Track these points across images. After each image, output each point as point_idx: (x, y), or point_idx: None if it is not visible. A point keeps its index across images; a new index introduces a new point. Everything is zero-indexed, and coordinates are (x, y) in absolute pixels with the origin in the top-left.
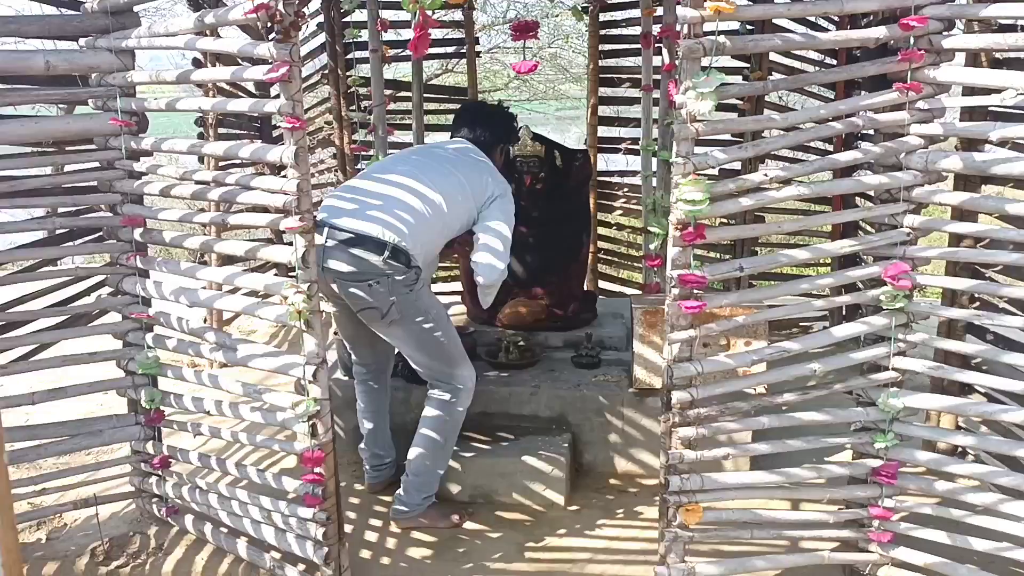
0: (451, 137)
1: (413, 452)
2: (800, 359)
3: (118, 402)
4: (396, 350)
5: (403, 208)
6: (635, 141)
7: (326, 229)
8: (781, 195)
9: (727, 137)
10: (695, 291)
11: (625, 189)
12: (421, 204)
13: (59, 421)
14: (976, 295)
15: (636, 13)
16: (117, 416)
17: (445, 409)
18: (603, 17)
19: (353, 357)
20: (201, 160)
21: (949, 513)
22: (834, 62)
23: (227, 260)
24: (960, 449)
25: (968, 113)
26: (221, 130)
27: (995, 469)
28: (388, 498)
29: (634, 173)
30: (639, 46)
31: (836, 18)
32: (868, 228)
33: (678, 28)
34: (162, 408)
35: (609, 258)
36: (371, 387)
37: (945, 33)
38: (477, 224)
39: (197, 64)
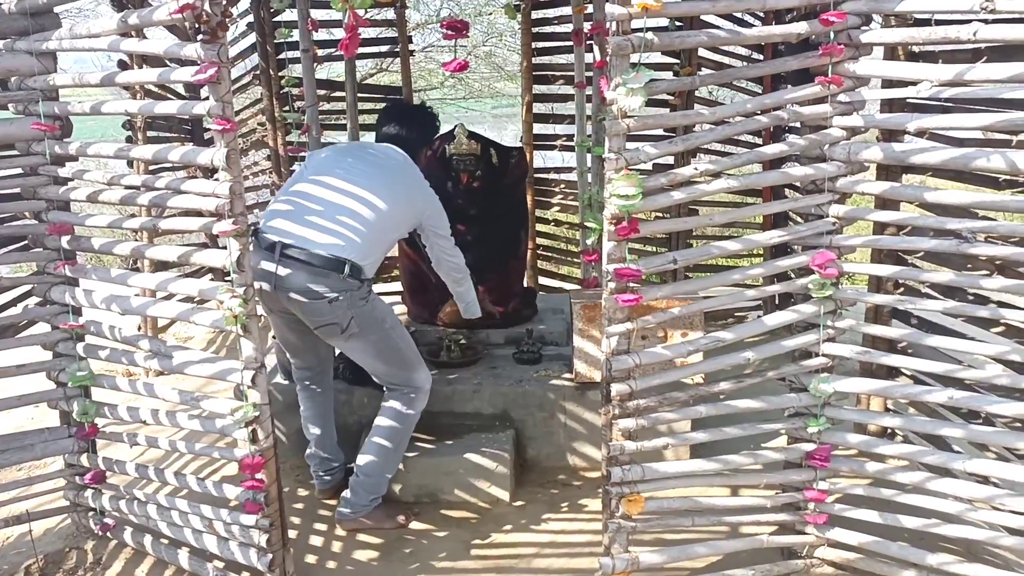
0: (376, 138)
1: (364, 457)
2: (735, 348)
3: (49, 414)
4: (336, 351)
5: (356, 221)
6: (570, 138)
7: (278, 247)
8: (712, 188)
9: (659, 132)
10: (631, 284)
11: (562, 185)
12: (371, 215)
13: None
14: (900, 281)
15: (568, 11)
16: (49, 429)
17: (400, 417)
18: (535, 15)
19: (293, 362)
20: (130, 164)
21: (880, 493)
22: (761, 57)
23: (160, 266)
24: (889, 430)
25: (888, 105)
26: (151, 133)
27: (922, 448)
28: (333, 502)
29: (570, 169)
30: (571, 43)
31: (762, 15)
32: (797, 219)
33: (608, 25)
34: (96, 421)
35: (548, 254)
36: (314, 391)
37: (863, 28)
38: (427, 236)
39: (123, 66)
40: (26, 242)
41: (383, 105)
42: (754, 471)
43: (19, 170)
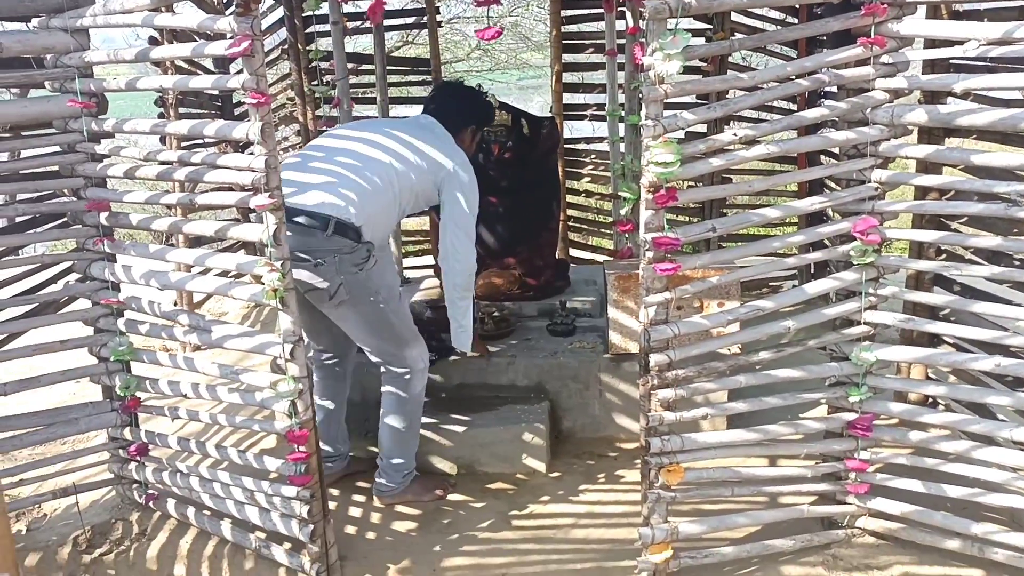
0: (422, 112)
1: (382, 439)
2: (773, 317)
3: (92, 389)
4: None
5: (347, 181)
6: (600, 107)
7: None
8: (750, 154)
9: (691, 99)
10: (668, 254)
11: (592, 156)
12: (369, 176)
13: (33, 411)
14: (942, 247)
15: None
16: (92, 403)
17: (400, 402)
18: None
19: (308, 340)
20: (163, 140)
21: (923, 462)
22: (795, 21)
23: (194, 241)
24: (930, 399)
25: (930, 66)
26: (182, 110)
27: (966, 417)
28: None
29: (601, 139)
30: (602, 11)
31: None
32: (833, 186)
33: None
34: (137, 394)
35: (579, 225)
36: (333, 371)
37: None
38: (441, 209)
39: (154, 43)
40: (65, 219)
41: (420, 78)
42: (794, 441)
43: (57, 147)
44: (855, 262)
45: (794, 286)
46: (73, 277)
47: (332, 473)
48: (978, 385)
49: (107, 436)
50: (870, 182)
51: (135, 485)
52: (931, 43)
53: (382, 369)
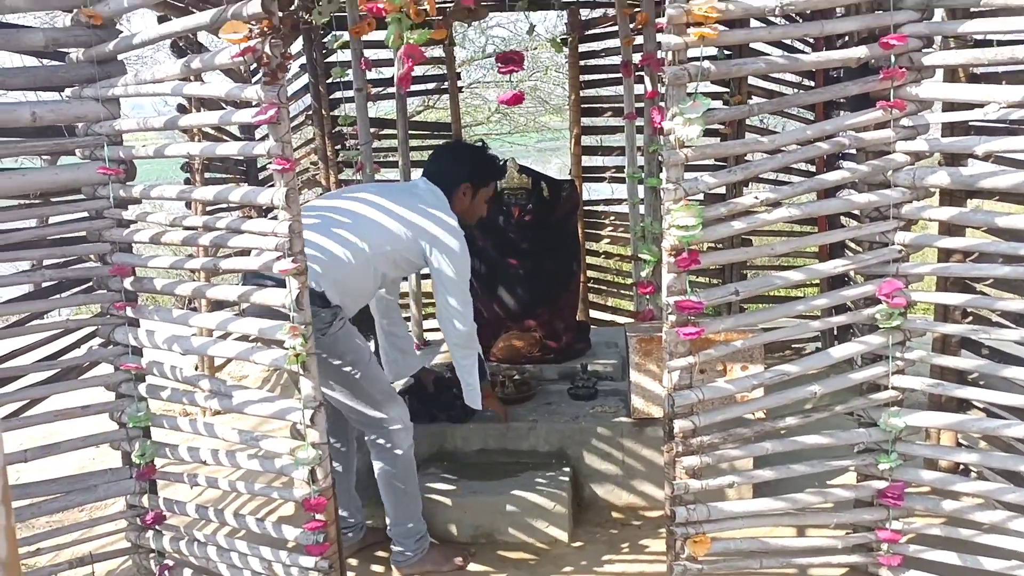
0: (421, 175)
1: (386, 507)
2: (798, 382)
3: (111, 454)
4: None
5: (314, 247)
6: (619, 169)
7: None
8: (772, 217)
9: (710, 162)
10: (691, 317)
11: (612, 217)
12: (338, 243)
13: (53, 478)
14: (968, 310)
15: (615, 43)
16: (112, 470)
17: (388, 458)
18: (582, 48)
19: None
20: (188, 205)
21: (957, 533)
22: (811, 84)
23: (216, 306)
24: (962, 467)
25: (949, 128)
26: (207, 175)
27: (1000, 486)
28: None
29: (620, 201)
30: (619, 75)
31: (812, 40)
32: (853, 247)
33: (660, 56)
34: (153, 462)
35: (599, 287)
36: (334, 446)
37: (924, 50)
38: (434, 288)
39: (182, 110)
40: (90, 284)
41: (437, 142)
42: (823, 510)
43: (85, 213)
44: (881, 325)
45: (817, 349)
46: (96, 342)
47: (349, 544)
48: (1011, 452)
49: (125, 503)
50: (893, 244)
51: (152, 554)
52: (950, 106)
53: (366, 437)
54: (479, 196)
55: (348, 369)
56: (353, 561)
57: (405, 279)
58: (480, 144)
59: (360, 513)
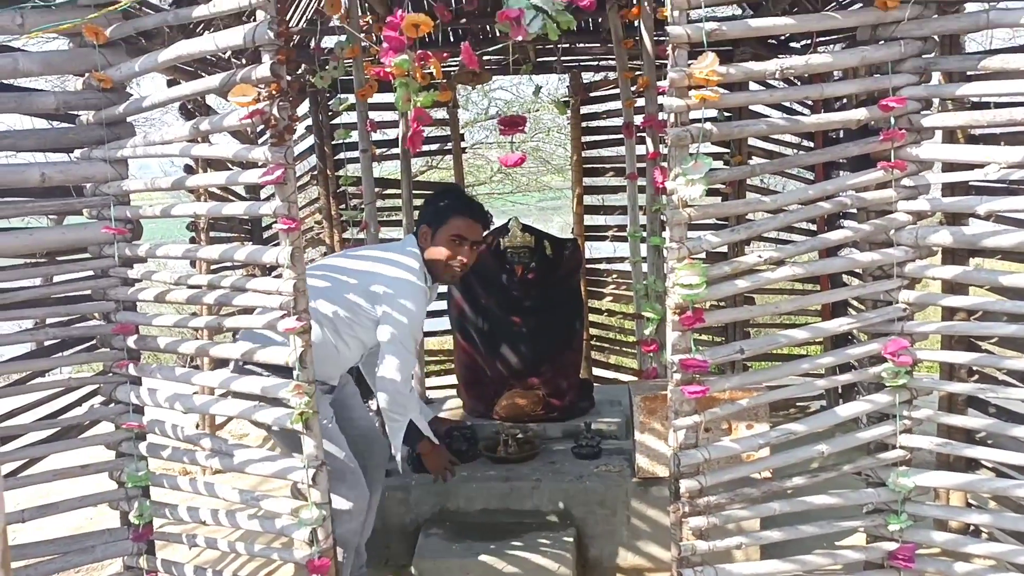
0: None
1: None
2: (805, 441)
3: (108, 514)
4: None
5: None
6: (621, 228)
7: None
8: (776, 276)
9: (712, 221)
10: (696, 375)
11: (614, 275)
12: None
13: (49, 539)
14: (974, 368)
15: (617, 105)
16: (109, 531)
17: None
18: (584, 110)
19: None
20: (192, 264)
21: None
22: (811, 144)
23: (219, 364)
24: (972, 527)
25: (949, 188)
26: (212, 234)
27: (1013, 547)
28: None
29: (622, 259)
30: (621, 136)
31: (811, 103)
32: (856, 305)
33: (662, 117)
34: (151, 522)
35: (601, 344)
36: None
37: (923, 112)
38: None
39: (189, 171)
40: (92, 342)
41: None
42: (833, 572)
43: (90, 272)
44: (887, 384)
45: (821, 408)
46: (97, 400)
47: None
48: (1022, 512)
49: (122, 564)
50: (898, 303)
51: None
52: (950, 166)
53: None
54: (439, 236)
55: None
56: None
57: None
58: (450, 187)
59: (363, 556)
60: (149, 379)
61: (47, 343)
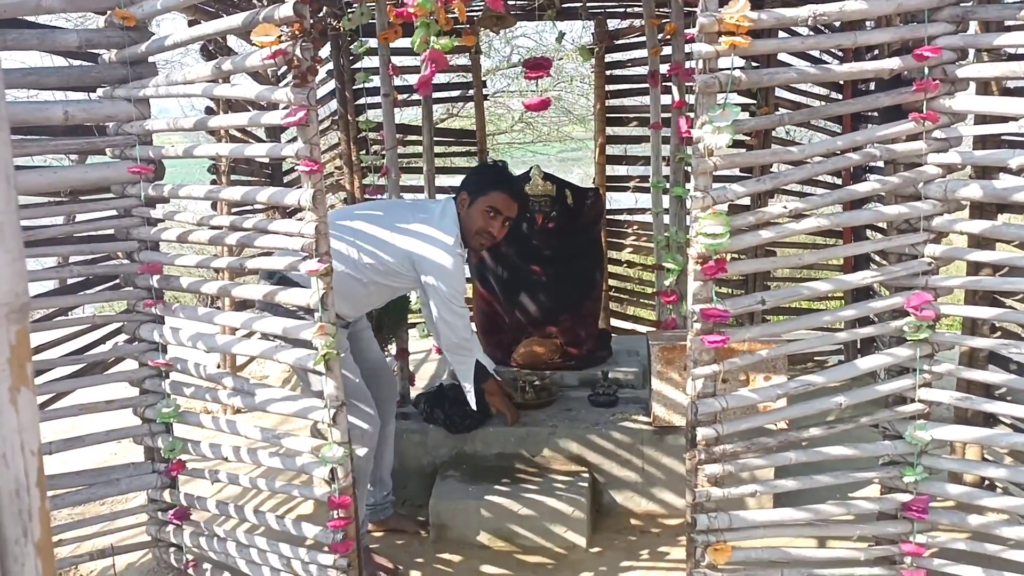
0: None
1: None
2: (822, 393)
3: (132, 449)
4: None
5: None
6: (643, 179)
7: None
8: (800, 227)
9: (734, 173)
10: (716, 326)
11: (635, 227)
12: (340, 253)
13: (76, 471)
14: (997, 324)
15: (642, 53)
16: (133, 465)
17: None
18: (608, 58)
19: None
20: (214, 206)
21: (983, 548)
22: (839, 96)
23: (240, 305)
24: (987, 481)
25: (980, 141)
26: (233, 177)
27: None
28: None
29: (643, 211)
30: (646, 85)
31: (841, 53)
32: (878, 260)
33: (689, 65)
34: (182, 458)
35: (620, 296)
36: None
37: (958, 63)
38: (425, 296)
39: (210, 112)
40: (117, 281)
41: (464, 149)
42: (846, 522)
43: (114, 211)
44: (908, 338)
45: (840, 361)
46: (122, 338)
47: (380, 518)
48: None
49: (147, 497)
50: (923, 257)
51: (172, 548)
52: (982, 119)
53: None
54: (476, 205)
55: None
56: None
57: None
58: (497, 163)
59: (388, 485)
60: (172, 318)
61: (71, 281)
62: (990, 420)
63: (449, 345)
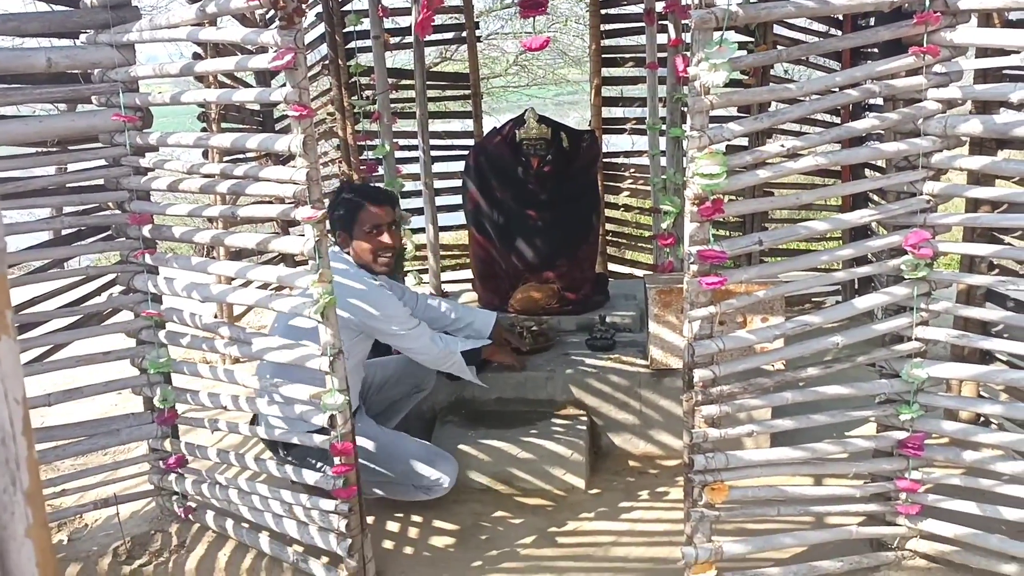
0: None
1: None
2: (819, 333)
3: (133, 400)
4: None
5: None
6: (640, 121)
7: None
8: (798, 166)
9: (732, 113)
10: (714, 267)
11: (632, 170)
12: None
13: (76, 422)
14: (994, 261)
15: None
16: (134, 415)
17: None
18: None
19: None
20: (205, 155)
21: (977, 483)
22: (837, 33)
23: (235, 254)
24: (982, 418)
25: (981, 76)
26: (224, 125)
27: (1021, 436)
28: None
29: (640, 153)
30: (642, 24)
31: None
32: (876, 199)
33: (685, 2)
34: (176, 407)
35: (617, 240)
36: None
37: None
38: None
39: (198, 59)
40: (109, 232)
41: (460, 93)
42: (842, 460)
43: (102, 161)
44: (906, 276)
45: (837, 302)
46: (117, 289)
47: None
48: None
49: (147, 447)
50: (922, 194)
51: (174, 496)
52: (983, 52)
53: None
54: (356, 235)
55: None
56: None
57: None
58: (343, 188)
59: None
60: (166, 268)
61: (64, 232)
62: (986, 357)
63: (429, 362)
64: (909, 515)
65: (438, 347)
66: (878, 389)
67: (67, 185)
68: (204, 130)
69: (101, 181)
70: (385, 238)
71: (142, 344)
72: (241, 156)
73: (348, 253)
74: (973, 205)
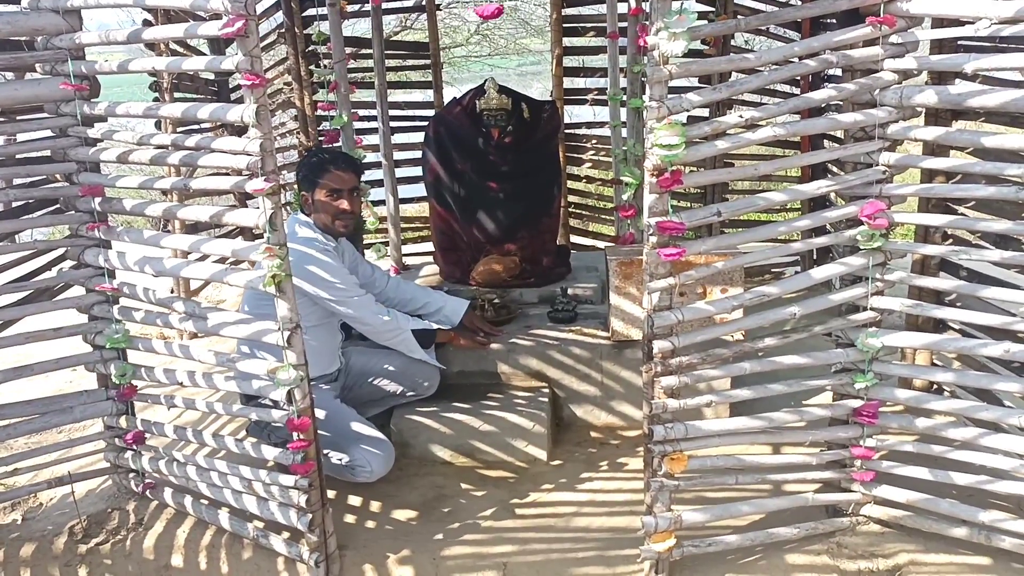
0: None
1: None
2: (777, 304)
3: (88, 377)
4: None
5: None
6: (602, 91)
7: None
8: (756, 136)
9: (693, 84)
10: (673, 238)
11: (593, 141)
12: None
13: (28, 400)
14: (949, 231)
15: None
16: (87, 392)
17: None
18: None
19: None
20: (158, 125)
21: (929, 449)
22: (798, 2)
23: (191, 228)
24: (936, 386)
25: (937, 46)
26: (177, 95)
27: (973, 404)
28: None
29: (602, 124)
30: None
31: None
32: (835, 170)
33: None
34: (133, 382)
35: (579, 211)
36: None
37: None
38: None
39: (147, 26)
40: (58, 205)
41: (420, 62)
42: (799, 428)
43: (49, 132)
44: (862, 247)
45: (796, 272)
46: (67, 264)
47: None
48: (985, 371)
49: (103, 424)
50: (878, 165)
51: (131, 474)
52: (938, 23)
53: None
54: (317, 196)
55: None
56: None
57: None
58: (313, 151)
59: None
60: (118, 242)
61: (14, 205)
62: (939, 326)
63: (374, 333)
64: (864, 481)
65: (381, 319)
66: (834, 359)
67: (15, 156)
68: (156, 100)
69: (48, 152)
70: (343, 203)
71: (94, 320)
72: (196, 127)
73: (309, 214)
74: (928, 176)
